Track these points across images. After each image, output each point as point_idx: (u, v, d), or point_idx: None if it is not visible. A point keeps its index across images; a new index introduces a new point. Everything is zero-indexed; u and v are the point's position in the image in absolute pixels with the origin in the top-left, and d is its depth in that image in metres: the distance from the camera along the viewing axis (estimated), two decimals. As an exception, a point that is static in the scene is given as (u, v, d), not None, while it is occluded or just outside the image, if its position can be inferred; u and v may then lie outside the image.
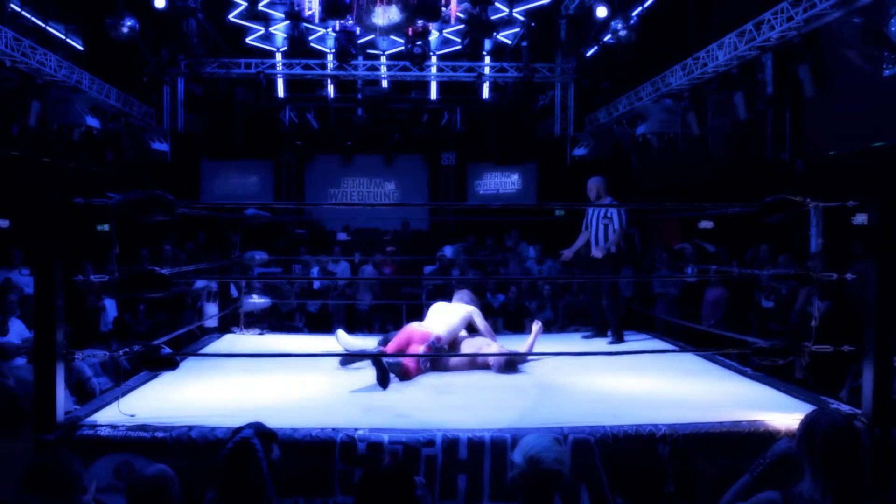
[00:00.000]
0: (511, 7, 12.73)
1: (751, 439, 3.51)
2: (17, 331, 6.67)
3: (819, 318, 4.23)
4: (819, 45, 8.49)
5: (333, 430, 3.50)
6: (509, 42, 14.05)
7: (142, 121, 13.07)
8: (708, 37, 9.74)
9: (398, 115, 15.73)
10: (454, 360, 5.15)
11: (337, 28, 12.47)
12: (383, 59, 14.26)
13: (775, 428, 3.56)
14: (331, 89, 14.97)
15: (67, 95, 10.45)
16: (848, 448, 2.38)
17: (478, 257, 11.52)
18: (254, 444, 2.71)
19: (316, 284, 10.72)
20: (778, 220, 4.24)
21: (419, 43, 12.33)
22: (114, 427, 3.54)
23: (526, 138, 16.08)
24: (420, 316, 5.91)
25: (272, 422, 3.09)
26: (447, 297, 6.10)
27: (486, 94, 14.84)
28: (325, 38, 13.52)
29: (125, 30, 10.35)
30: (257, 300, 7.27)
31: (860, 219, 7.27)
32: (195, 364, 5.06)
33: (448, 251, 11.49)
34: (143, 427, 3.53)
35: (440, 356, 5.09)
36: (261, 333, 6.81)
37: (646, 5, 11.28)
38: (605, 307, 6.42)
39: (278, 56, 14.10)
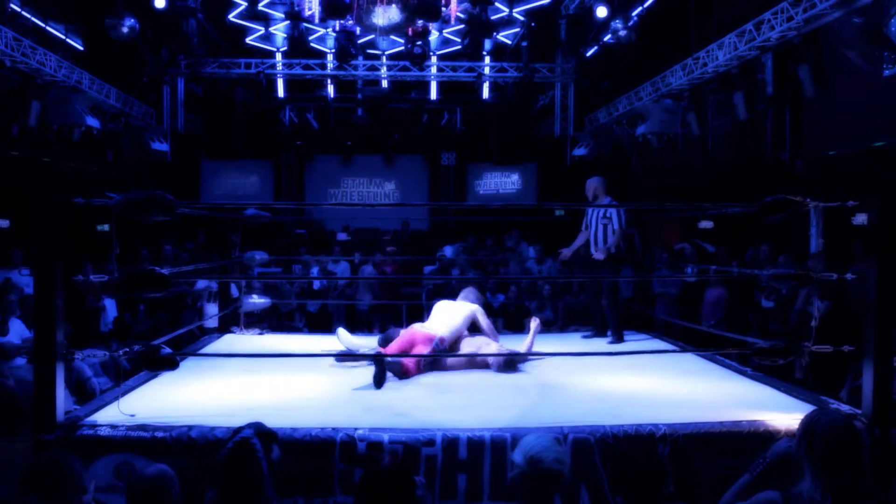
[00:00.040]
0: (511, 7, 12.73)
1: (751, 439, 3.50)
2: (17, 331, 6.67)
3: (819, 318, 4.23)
4: (819, 45, 8.49)
5: (333, 429, 3.50)
6: (509, 42, 14.06)
7: (142, 121, 13.07)
8: (708, 37, 9.74)
9: (398, 115, 15.73)
10: (454, 360, 5.16)
11: (337, 28, 12.47)
12: (383, 59, 14.27)
13: (775, 428, 3.56)
14: (331, 89, 14.97)
15: (67, 95, 10.45)
16: (848, 448, 2.38)
17: (478, 257, 11.52)
18: (254, 444, 2.71)
19: (316, 284, 10.72)
20: (778, 220, 4.23)
21: (419, 43, 12.34)
22: (114, 427, 3.54)
23: (526, 138, 16.08)
24: (420, 316, 5.92)
25: (272, 422, 3.09)
26: (449, 297, 6.10)
27: (486, 94, 14.85)
28: (325, 38, 13.52)
29: (125, 30, 10.35)
30: (257, 300, 7.28)
31: (860, 219, 7.28)
32: (195, 364, 5.05)
33: (448, 251, 11.49)
34: (143, 427, 3.53)
35: (440, 355, 5.10)
36: (261, 333, 6.81)
37: (646, 5, 11.28)
38: (605, 307, 6.42)
39: (278, 56, 14.10)
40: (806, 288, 6.75)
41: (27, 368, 6.07)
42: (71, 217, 3.68)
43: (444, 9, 11.90)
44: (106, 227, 4.04)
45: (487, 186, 16.82)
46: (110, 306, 8.92)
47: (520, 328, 8.94)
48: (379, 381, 4.55)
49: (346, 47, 12.28)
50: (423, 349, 5.05)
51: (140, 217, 3.84)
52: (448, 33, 13.49)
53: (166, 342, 4.12)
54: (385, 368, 4.63)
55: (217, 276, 7.21)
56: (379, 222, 14.75)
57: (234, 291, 7.48)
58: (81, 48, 12.26)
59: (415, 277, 10.86)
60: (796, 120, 9.33)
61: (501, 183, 16.74)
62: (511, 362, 5.15)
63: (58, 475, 2.54)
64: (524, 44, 13.58)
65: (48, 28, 11.09)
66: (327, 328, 9.30)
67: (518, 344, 5.60)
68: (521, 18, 13.04)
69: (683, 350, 5.97)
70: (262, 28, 13.54)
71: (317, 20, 12.56)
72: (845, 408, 3.95)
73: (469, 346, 5.33)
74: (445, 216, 15.79)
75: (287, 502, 3.35)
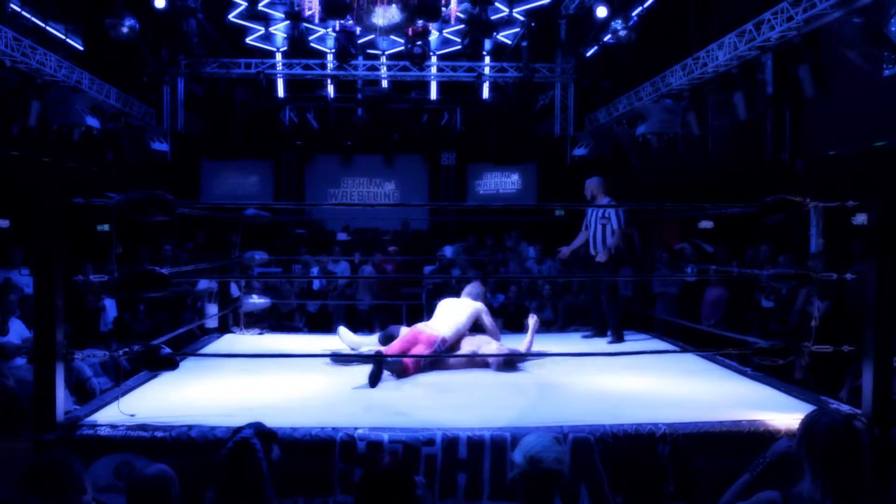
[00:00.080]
0: (511, 7, 12.73)
1: (751, 439, 3.51)
2: (17, 331, 6.67)
3: (819, 318, 4.23)
4: (819, 45, 8.49)
5: (333, 429, 3.50)
6: (509, 42, 14.06)
7: (142, 121, 13.07)
8: (708, 37, 9.75)
9: (398, 115, 15.73)
10: (453, 359, 5.16)
11: (337, 28, 12.47)
12: (383, 59, 14.27)
13: (775, 428, 3.56)
14: (331, 89, 14.97)
15: (67, 95, 10.45)
16: (848, 448, 2.38)
17: (478, 257, 11.52)
18: (254, 444, 2.71)
19: (316, 284, 10.72)
20: (778, 220, 4.23)
21: (419, 43, 12.34)
22: (114, 427, 3.54)
23: (526, 138, 16.08)
24: (420, 316, 5.91)
25: (272, 421, 3.09)
26: (450, 297, 6.09)
27: (486, 94, 14.85)
28: (325, 38, 13.52)
29: (125, 30, 10.35)
30: (257, 300, 7.28)
31: (860, 219, 7.27)
32: (195, 364, 5.05)
33: (448, 251, 11.49)
34: (142, 427, 3.53)
35: (439, 356, 5.10)
36: (261, 333, 6.82)
37: (646, 5, 11.29)
38: (604, 307, 6.42)
39: (278, 56, 14.11)
40: (806, 288, 6.75)
41: (27, 368, 6.07)
42: (71, 217, 3.68)
43: (444, 9, 11.90)
44: (106, 227, 4.04)
45: (487, 186, 16.82)
46: (110, 306, 8.91)
47: (520, 328, 8.91)
48: (374, 380, 4.56)
49: (346, 47, 12.28)
50: (424, 349, 5.06)
51: (140, 217, 3.84)
52: (448, 33, 13.49)
53: (166, 342, 4.12)
54: (382, 368, 4.64)
55: (217, 276, 7.20)
56: (379, 222, 14.75)
57: (235, 291, 7.48)
58: (81, 48, 12.26)
59: (415, 277, 10.86)
60: (796, 120, 9.33)
61: (501, 183, 16.74)
62: (511, 362, 5.16)
63: (58, 475, 2.54)
64: (524, 44, 13.58)
65: (48, 28, 11.09)
66: (327, 328, 9.30)
67: (518, 343, 5.60)
68: (521, 18, 13.04)
69: (683, 350, 5.97)
70: (262, 28, 13.54)
71: (317, 20, 12.56)
72: (845, 408, 3.95)
73: (469, 344, 5.34)
74: (445, 216, 15.79)
75: (287, 502, 3.35)
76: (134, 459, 3.39)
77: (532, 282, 10.20)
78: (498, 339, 5.51)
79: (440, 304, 5.58)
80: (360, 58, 13.78)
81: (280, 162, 16.49)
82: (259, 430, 2.87)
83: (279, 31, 13.50)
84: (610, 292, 6.35)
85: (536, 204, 15.51)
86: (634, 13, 10.77)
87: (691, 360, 5.56)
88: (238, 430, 2.83)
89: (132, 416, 3.69)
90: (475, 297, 5.64)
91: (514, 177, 16.60)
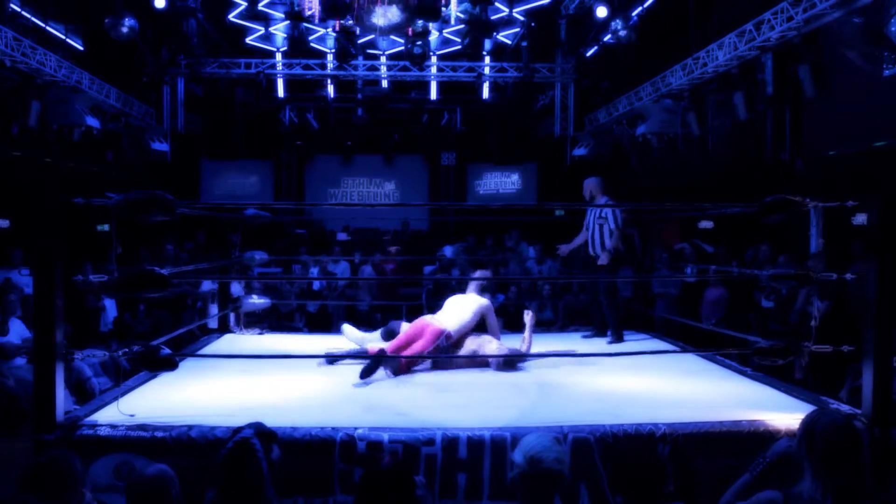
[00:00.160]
0: (511, 7, 12.73)
1: (751, 439, 3.51)
2: (17, 331, 6.67)
3: (819, 318, 4.24)
4: (819, 45, 8.49)
5: (333, 429, 3.50)
6: (509, 42, 14.05)
7: (142, 121, 13.07)
8: (708, 37, 9.75)
9: (398, 115, 15.73)
10: (453, 358, 5.18)
11: (337, 28, 12.47)
12: (383, 59, 14.26)
13: (775, 428, 3.57)
14: (331, 89, 14.97)
15: (67, 95, 10.45)
16: (848, 448, 2.39)
17: (478, 257, 11.52)
18: (254, 444, 2.71)
19: (316, 285, 10.72)
20: (778, 220, 4.23)
21: (419, 43, 12.34)
22: (113, 427, 3.54)
23: (526, 138, 16.08)
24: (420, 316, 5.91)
25: (272, 421, 3.09)
26: (457, 294, 6.09)
27: (486, 94, 14.85)
28: (325, 38, 13.52)
29: (125, 30, 10.34)
30: (257, 300, 7.28)
31: (860, 219, 7.27)
32: (195, 364, 5.06)
33: (448, 251, 11.49)
34: (142, 427, 3.53)
35: (439, 357, 5.11)
36: (261, 333, 6.82)
37: (646, 5, 11.28)
38: (604, 306, 6.42)
39: (278, 56, 14.10)
40: (806, 288, 6.75)
41: (27, 368, 6.06)
42: (71, 217, 3.68)
43: (444, 9, 11.90)
44: (106, 227, 4.04)
45: (487, 186, 16.82)
46: (110, 306, 8.91)
47: (519, 328, 8.93)
48: (366, 374, 4.60)
49: (346, 47, 12.28)
50: (429, 340, 5.09)
51: (140, 217, 3.83)
52: (448, 33, 13.49)
53: (166, 342, 4.12)
54: (378, 363, 4.67)
55: (217, 276, 7.21)
56: (379, 222, 14.75)
57: (237, 291, 7.48)
58: (81, 48, 12.25)
59: (415, 278, 10.86)
60: (796, 120, 9.33)
61: (501, 183, 16.74)
62: (511, 361, 5.17)
63: (58, 475, 2.54)
64: (524, 44, 13.57)
65: (48, 28, 11.09)
66: (327, 328, 9.30)
67: (517, 342, 5.60)
68: (521, 18, 13.04)
69: (683, 350, 5.97)
70: (262, 28, 13.53)
71: (317, 20, 12.55)
72: (845, 408, 3.96)
73: (471, 343, 5.35)
74: (445, 216, 15.79)
75: (287, 502, 3.35)
76: (134, 459, 3.39)
77: (532, 282, 10.19)
78: (498, 339, 5.51)
79: (448, 301, 5.61)
80: (360, 58, 13.78)
81: (280, 162, 16.48)
82: (259, 430, 2.87)
83: (279, 31, 13.50)
84: (609, 293, 6.34)
85: (536, 204, 15.51)
86: (634, 13, 10.77)
87: (691, 360, 5.56)
88: (238, 430, 2.83)
89: (132, 416, 3.69)
90: (482, 287, 5.64)
91: (514, 177, 16.60)
